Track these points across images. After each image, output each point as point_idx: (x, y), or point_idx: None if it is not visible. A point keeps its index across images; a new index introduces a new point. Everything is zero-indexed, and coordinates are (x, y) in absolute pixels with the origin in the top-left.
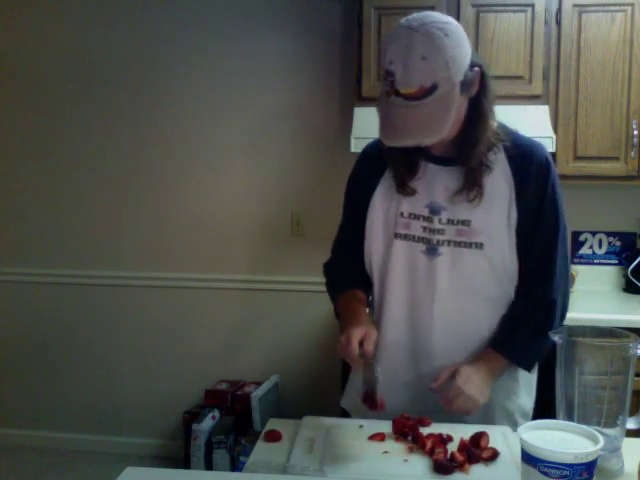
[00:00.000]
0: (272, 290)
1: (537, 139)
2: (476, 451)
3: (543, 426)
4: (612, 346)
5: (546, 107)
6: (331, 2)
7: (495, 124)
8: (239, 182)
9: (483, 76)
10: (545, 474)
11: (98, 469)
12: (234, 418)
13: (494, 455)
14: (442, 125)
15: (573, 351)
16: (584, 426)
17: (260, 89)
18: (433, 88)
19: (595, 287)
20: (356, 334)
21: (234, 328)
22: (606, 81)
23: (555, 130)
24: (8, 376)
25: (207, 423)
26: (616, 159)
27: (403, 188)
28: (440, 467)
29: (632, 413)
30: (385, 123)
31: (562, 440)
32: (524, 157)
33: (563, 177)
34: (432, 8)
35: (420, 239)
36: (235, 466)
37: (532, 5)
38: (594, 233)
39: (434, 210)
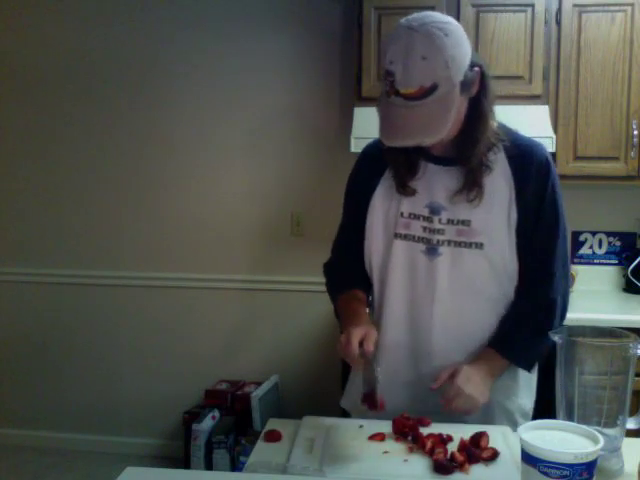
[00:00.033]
0: (272, 290)
1: (537, 139)
2: (476, 451)
3: (543, 426)
4: (612, 346)
5: (546, 107)
6: (331, 2)
7: (495, 124)
8: (239, 182)
9: (483, 76)
10: (545, 474)
11: (98, 469)
12: (234, 418)
13: (494, 455)
14: (442, 125)
15: (573, 351)
16: (584, 426)
17: (260, 89)
18: (433, 88)
19: (595, 287)
20: (356, 334)
21: (234, 328)
22: (606, 81)
23: (555, 130)
24: (8, 376)
25: (207, 423)
26: (616, 159)
27: (403, 188)
28: (440, 467)
29: (632, 413)
30: (385, 123)
31: (562, 440)
32: (524, 157)
33: (563, 177)
34: (432, 8)
35: (420, 239)
36: (235, 466)
37: (532, 5)
38: (594, 233)
39: (434, 210)
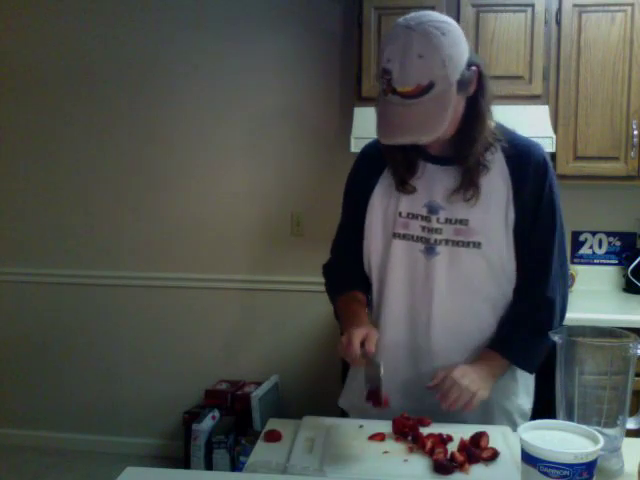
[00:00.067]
0: (272, 290)
1: (537, 139)
2: (476, 451)
3: (543, 426)
4: (612, 346)
5: (546, 107)
6: (331, 2)
7: (493, 124)
8: (239, 182)
9: (480, 75)
10: (545, 474)
11: (98, 469)
12: (234, 418)
13: (494, 455)
14: (439, 123)
15: (573, 351)
16: (584, 426)
17: (260, 89)
18: (430, 86)
19: (595, 287)
20: (357, 335)
21: (234, 328)
22: (606, 81)
23: (555, 130)
24: (8, 376)
25: (207, 423)
26: (616, 159)
27: (403, 186)
28: (440, 467)
29: (632, 413)
30: (382, 121)
31: (562, 440)
32: (522, 157)
33: (563, 177)
34: (432, 8)
35: (419, 238)
36: (235, 466)
37: (532, 5)
38: (594, 233)
39: (432, 209)
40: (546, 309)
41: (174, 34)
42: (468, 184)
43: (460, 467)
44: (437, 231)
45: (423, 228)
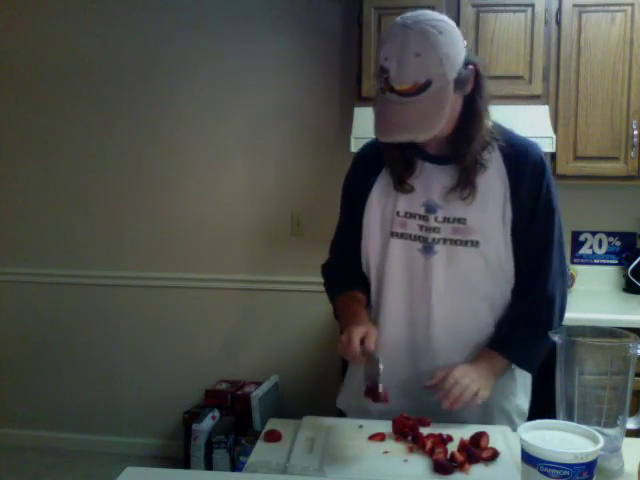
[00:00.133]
0: (272, 290)
1: (537, 139)
2: (476, 451)
3: (543, 426)
4: (612, 346)
5: (546, 107)
6: (331, 2)
7: (490, 123)
8: (239, 182)
9: (478, 74)
10: (545, 474)
11: (98, 469)
12: (234, 418)
13: (494, 455)
14: (436, 121)
15: (573, 351)
16: (584, 426)
17: (260, 89)
18: (427, 84)
19: (595, 287)
20: (357, 333)
21: (234, 328)
22: (606, 81)
23: (555, 130)
24: (8, 376)
25: (207, 423)
26: (616, 159)
27: (401, 185)
28: (440, 467)
29: (632, 413)
30: (380, 119)
31: (562, 440)
32: (519, 156)
33: (563, 177)
34: (432, 8)
35: (416, 237)
36: (235, 466)
37: (532, 5)
38: (594, 233)
39: (430, 209)
40: (545, 308)
41: (174, 34)
42: (465, 183)
43: (460, 467)
44: (435, 230)
45: (421, 227)
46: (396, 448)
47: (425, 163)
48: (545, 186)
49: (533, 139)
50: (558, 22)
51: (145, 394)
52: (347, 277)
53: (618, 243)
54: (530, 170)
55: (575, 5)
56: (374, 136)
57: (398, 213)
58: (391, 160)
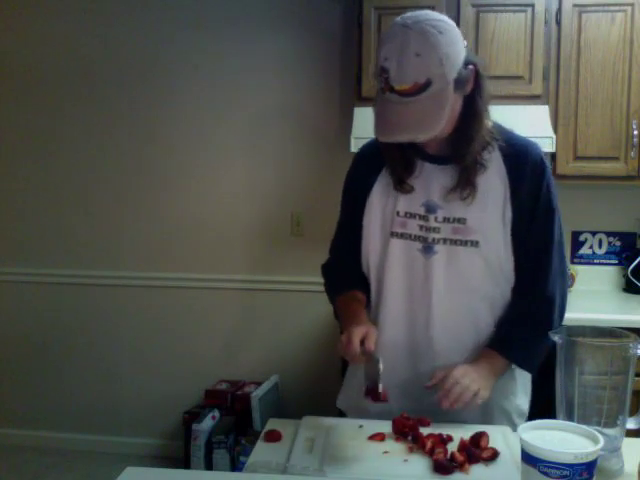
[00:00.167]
0: (272, 290)
1: (537, 139)
2: (476, 451)
3: (543, 426)
4: (612, 346)
5: (546, 107)
6: (331, 2)
7: (490, 123)
8: (239, 182)
9: (478, 74)
10: (545, 474)
11: (98, 469)
12: (234, 418)
13: (494, 455)
14: (436, 121)
15: (573, 351)
16: (584, 426)
17: (260, 89)
18: (427, 84)
19: (595, 287)
20: (357, 333)
21: (234, 328)
22: (606, 81)
23: (555, 130)
24: (8, 376)
25: (207, 423)
26: (616, 159)
27: (401, 185)
28: (440, 467)
29: (632, 413)
30: (380, 119)
31: (562, 440)
32: (519, 156)
33: (563, 177)
34: (432, 8)
35: (416, 237)
36: (235, 466)
37: (532, 5)
38: (594, 233)
39: (430, 209)
40: (545, 308)
41: (174, 34)
42: (465, 183)
43: (460, 467)
44: (435, 230)
45: (421, 227)
46: (396, 448)
47: (425, 163)
48: (545, 186)
49: (533, 139)
50: (558, 22)
51: (145, 394)
52: (347, 277)
53: (618, 243)
54: (530, 170)
55: (575, 5)
56: (374, 136)
57: (398, 213)
58: (391, 160)
